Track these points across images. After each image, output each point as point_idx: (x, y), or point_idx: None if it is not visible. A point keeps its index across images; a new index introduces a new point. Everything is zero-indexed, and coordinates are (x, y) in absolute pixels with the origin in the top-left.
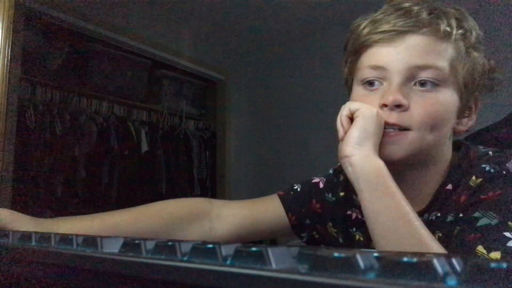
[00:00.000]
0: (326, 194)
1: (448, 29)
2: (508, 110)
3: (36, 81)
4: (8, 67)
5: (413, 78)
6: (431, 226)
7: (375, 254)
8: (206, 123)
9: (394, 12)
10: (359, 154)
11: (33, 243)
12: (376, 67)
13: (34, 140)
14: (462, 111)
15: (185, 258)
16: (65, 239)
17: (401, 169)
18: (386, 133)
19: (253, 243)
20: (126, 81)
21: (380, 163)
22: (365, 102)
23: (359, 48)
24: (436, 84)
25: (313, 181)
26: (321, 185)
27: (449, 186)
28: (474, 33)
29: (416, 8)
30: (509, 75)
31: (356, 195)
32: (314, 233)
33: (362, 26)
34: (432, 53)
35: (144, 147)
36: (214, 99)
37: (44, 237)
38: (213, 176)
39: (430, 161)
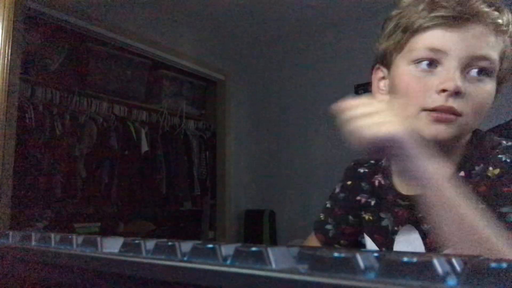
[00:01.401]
0: (339, 192)
1: (506, 23)
2: None
3: (36, 81)
4: (8, 67)
5: (469, 66)
6: None
7: (375, 254)
8: (206, 123)
9: None
10: None
11: (33, 243)
12: (435, 50)
13: (34, 140)
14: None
15: (185, 258)
16: (65, 239)
17: (438, 148)
18: (439, 113)
19: (252, 243)
20: (126, 81)
21: None
22: (417, 82)
23: (416, 28)
24: (487, 75)
25: (331, 198)
26: (337, 190)
27: (462, 173)
28: None
29: None
30: None
31: (365, 182)
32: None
33: (418, 6)
34: (489, 45)
35: (144, 147)
36: (214, 99)
37: (44, 237)
38: (213, 176)
39: (460, 142)
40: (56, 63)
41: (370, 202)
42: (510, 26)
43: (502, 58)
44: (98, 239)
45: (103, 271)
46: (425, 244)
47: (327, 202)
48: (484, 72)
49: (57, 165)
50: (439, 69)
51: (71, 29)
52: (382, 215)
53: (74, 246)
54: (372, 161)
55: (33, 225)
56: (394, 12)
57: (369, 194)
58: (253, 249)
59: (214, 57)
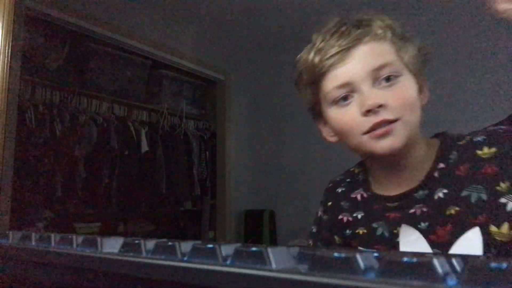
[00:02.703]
0: (322, 215)
1: (380, 31)
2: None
3: (36, 81)
4: (8, 67)
5: (376, 79)
6: (443, 202)
7: (375, 254)
8: (206, 123)
9: (331, 37)
10: None
11: (33, 243)
12: (342, 85)
13: (34, 140)
14: (420, 88)
15: (185, 258)
16: (65, 239)
17: (396, 156)
18: (377, 130)
19: (252, 243)
20: (126, 81)
21: None
22: (344, 117)
23: (318, 77)
24: (396, 76)
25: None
26: (319, 213)
27: (441, 165)
28: (397, 25)
29: (343, 28)
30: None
31: (345, 200)
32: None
33: (310, 58)
34: (380, 54)
35: (144, 147)
36: (214, 99)
37: (44, 237)
38: (213, 176)
39: (416, 142)
40: (56, 63)
41: (357, 217)
42: (386, 30)
43: (399, 54)
44: (98, 239)
45: (103, 271)
46: (428, 240)
47: (312, 227)
48: (392, 76)
49: (57, 165)
50: (355, 96)
51: (71, 29)
52: (375, 225)
53: (74, 246)
54: (348, 179)
55: (33, 225)
56: (296, 72)
57: (353, 210)
58: (253, 249)
59: (214, 57)
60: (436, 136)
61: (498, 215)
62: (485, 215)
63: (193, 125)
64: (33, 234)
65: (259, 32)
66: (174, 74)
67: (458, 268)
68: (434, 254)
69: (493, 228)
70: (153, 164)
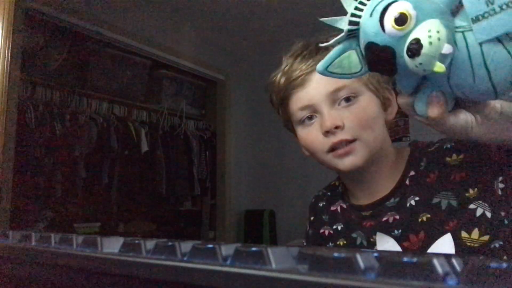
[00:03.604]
0: (308, 229)
1: None
2: None
3: (36, 81)
4: (8, 67)
5: (335, 100)
6: (415, 209)
7: (375, 254)
8: (206, 123)
9: (295, 61)
10: None
11: (33, 243)
12: (305, 107)
13: (34, 140)
14: (384, 104)
15: (185, 258)
16: (65, 239)
17: (362, 171)
18: (338, 149)
19: (252, 243)
20: (126, 81)
21: None
22: (308, 137)
23: (284, 98)
24: (354, 96)
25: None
26: (307, 228)
27: (412, 173)
28: None
29: (305, 52)
30: None
31: (325, 214)
32: None
33: (277, 81)
34: None
35: (144, 147)
36: (214, 99)
37: (44, 237)
38: (213, 176)
39: (382, 155)
40: (56, 63)
41: (337, 229)
42: None
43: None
44: (98, 239)
45: (103, 271)
46: (402, 247)
47: (303, 241)
48: (350, 97)
49: (57, 165)
50: (318, 117)
51: (71, 29)
52: (354, 235)
53: (74, 246)
54: (329, 193)
55: (33, 225)
56: (269, 92)
57: (333, 222)
58: (253, 249)
59: (214, 57)
60: (409, 144)
61: (468, 221)
62: (456, 221)
63: (193, 125)
64: (33, 234)
65: (259, 32)
66: (174, 74)
67: (458, 268)
68: (434, 254)
69: (464, 234)
70: (153, 164)
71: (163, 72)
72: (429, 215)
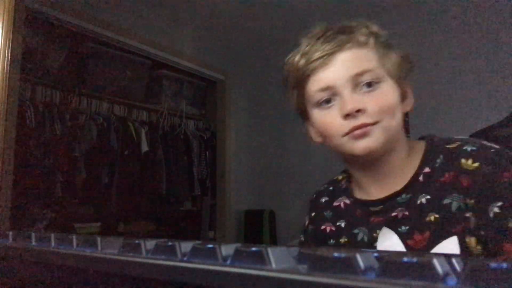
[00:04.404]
0: (308, 225)
1: (363, 38)
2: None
3: (36, 81)
4: (8, 67)
5: (357, 84)
6: (425, 208)
7: (375, 254)
8: (206, 123)
9: (316, 42)
10: None
11: (33, 243)
12: (324, 88)
13: (34, 140)
14: (403, 95)
15: (185, 258)
16: (65, 239)
17: (377, 158)
18: (356, 130)
19: (252, 243)
20: (126, 81)
21: None
22: (326, 119)
23: (302, 79)
24: (376, 82)
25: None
26: (306, 223)
27: (427, 169)
28: (382, 34)
29: (329, 33)
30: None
31: (328, 210)
32: None
33: (296, 61)
34: (362, 60)
35: (144, 147)
36: (214, 99)
37: (44, 237)
38: (213, 176)
39: (397, 145)
40: (56, 63)
41: (340, 225)
42: (369, 37)
43: (382, 61)
44: (98, 239)
45: (103, 271)
46: (405, 245)
47: (301, 236)
48: (372, 82)
49: (57, 165)
50: (337, 100)
51: (71, 29)
52: (356, 231)
53: (74, 246)
54: (331, 187)
55: (33, 225)
56: (283, 74)
57: (336, 219)
58: (253, 249)
59: (214, 57)
60: (423, 138)
61: (469, 227)
62: (463, 225)
63: (193, 125)
64: (33, 234)
65: (259, 32)
66: (174, 74)
67: (458, 268)
68: (434, 254)
69: (467, 239)
70: (153, 164)
71: (163, 72)
72: (437, 215)
